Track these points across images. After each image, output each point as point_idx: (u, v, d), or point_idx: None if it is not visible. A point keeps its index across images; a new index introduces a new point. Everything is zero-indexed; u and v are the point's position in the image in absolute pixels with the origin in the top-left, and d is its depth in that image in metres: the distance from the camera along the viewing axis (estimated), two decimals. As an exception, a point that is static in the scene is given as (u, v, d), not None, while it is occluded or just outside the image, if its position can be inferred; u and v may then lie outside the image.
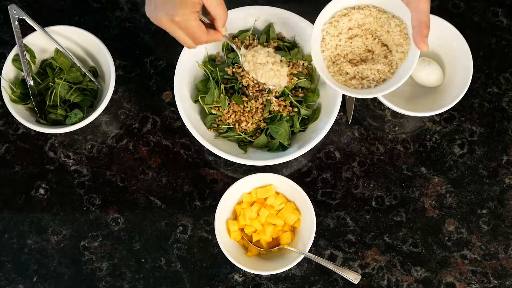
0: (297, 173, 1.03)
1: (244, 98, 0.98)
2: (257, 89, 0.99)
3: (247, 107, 0.98)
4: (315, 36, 0.92)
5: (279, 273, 0.96)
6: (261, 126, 0.99)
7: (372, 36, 0.93)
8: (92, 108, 1.03)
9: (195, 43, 0.88)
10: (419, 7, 0.84)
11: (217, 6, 0.87)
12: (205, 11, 0.87)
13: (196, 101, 1.01)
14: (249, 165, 1.02)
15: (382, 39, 0.93)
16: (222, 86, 0.99)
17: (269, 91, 0.98)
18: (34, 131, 1.04)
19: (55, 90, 1.01)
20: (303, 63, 1.01)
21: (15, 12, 1.00)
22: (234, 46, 0.96)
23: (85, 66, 1.04)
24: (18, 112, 0.99)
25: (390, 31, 0.91)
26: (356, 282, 0.94)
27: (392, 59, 0.92)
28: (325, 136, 0.95)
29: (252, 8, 1.02)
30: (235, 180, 0.96)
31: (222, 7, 0.87)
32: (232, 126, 0.99)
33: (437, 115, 1.05)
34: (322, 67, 0.93)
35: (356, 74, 0.93)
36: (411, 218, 1.01)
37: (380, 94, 0.91)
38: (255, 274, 0.98)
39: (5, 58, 1.02)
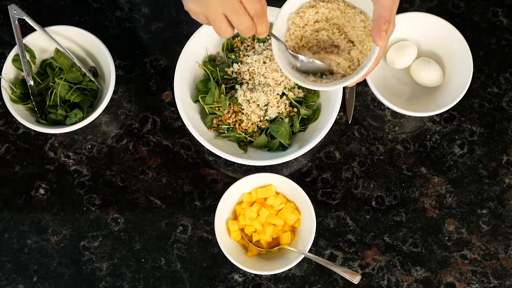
0: (297, 173, 1.03)
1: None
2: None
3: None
4: (279, 25, 0.88)
5: (279, 273, 0.96)
6: (262, 126, 0.99)
7: (338, 31, 0.89)
8: (92, 108, 1.03)
9: (255, 18, 0.79)
10: (381, 2, 0.81)
11: None
12: None
13: (196, 101, 1.01)
14: (249, 165, 1.02)
15: (349, 35, 0.89)
16: (223, 86, 0.99)
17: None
18: (34, 131, 1.04)
19: (55, 90, 1.01)
20: None
21: (15, 12, 1.00)
22: (279, 40, 0.88)
23: (85, 66, 1.04)
24: (18, 112, 0.99)
25: (355, 26, 0.88)
26: (356, 282, 0.94)
27: (353, 55, 0.88)
28: (325, 136, 0.95)
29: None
30: (235, 180, 0.96)
31: None
32: (232, 126, 0.99)
33: (437, 115, 1.05)
34: (280, 56, 0.88)
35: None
36: (411, 218, 1.01)
37: (333, 87, 0.86)
38: (255, 274, 0.98)
39: (5, 58, 1.02)
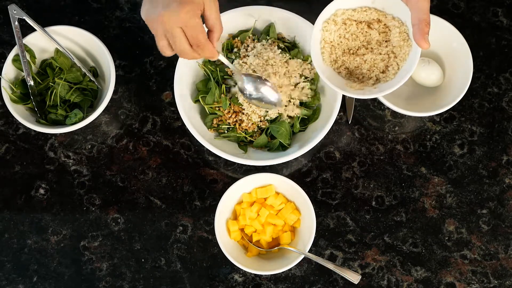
0: (297, 173, 1.03)
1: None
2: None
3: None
4: (315, 35, 0.92)
5: (279, 273, 0.96)
6: (262, 126, 0.99)
7: (373, 31, 0.93)
8: (92, 108, 1.03)
9: (194, 47, 0.84)
10: (418, 5, 0.84)
11: (216, 18, 0.85)
12: None
13: (196, 101, 1.01)
14: (249, 165, 1.02)
15: (386, 36, 0.92)
16: (223, 86, 0.99)
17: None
18: (34, 131, 1.04)
19: (55, 90, 1.01)
20: (304, 66, 1.00)
21: (15, 12, 1.00)
22: (228, 64, 0.93)
23: (85, 66, 1.04)
24: (18, 112, 0.99)
25: (389, 32, 0.91)
26: (356, 282, 0.94)
27: (392, 61, 0.91)
28: (325, 136, 0.95)
29: (252, 8, 1.01)
30: (235, 180, 0.96)
31: (219, 21, 0.86)
32: (232, 126, 0.99)
33: (437, 115, 1.05)
34: (321, 67, 0.93)
35: (355, 69, 0.93)
36: (411, 218, 1.01)
37: (381, 94, 0.90)
38: (255, 274, 0.98)
39: (5, 58, 1.02)
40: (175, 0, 0.80)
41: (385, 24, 0.92)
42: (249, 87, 0.95)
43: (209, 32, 0.87)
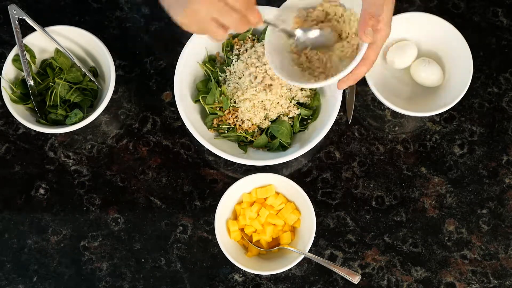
0: (297, 173, 1.03)
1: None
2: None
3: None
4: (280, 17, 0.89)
5: (279, 273, 0.96)
6: (263, 127, 0.99)
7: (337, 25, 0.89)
8: (92, 108, 1.03)
9: (245, 11, 0.76)
10: None
11: None
12: None
13: (196, 101, 1.01)
14: (249, 165, 1.02)
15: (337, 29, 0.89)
16: (224, 86, 0.99)
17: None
18: (34, 131, 1.04)
19: (55, 90, 1.01)
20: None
21: (15, 12, 1.00)
22: (286, 28, 0.89)
23: (85, 66, 1.04)
24: (18, 112, 0.99)
25: (340, 21, 0.88)
26: (356, 282, 0.94)
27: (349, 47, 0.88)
28: (325, 136, 0.95)
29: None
30: (235, 180, 0.96)
31: None
32: (232, 126, 0.99)
33: (437, 115, 1.05)
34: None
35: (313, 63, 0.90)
36: (411, 218, 1.01)
37: (323, 84, 0.84)
38: (255, 274, 0.98)
39: (5, 58, 1.02)
40: None
41: (337, 19, 0.88)
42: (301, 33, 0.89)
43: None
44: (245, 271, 0.98)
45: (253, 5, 0.77)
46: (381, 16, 0.79)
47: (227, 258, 0.93)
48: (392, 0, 0.81)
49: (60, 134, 1.04)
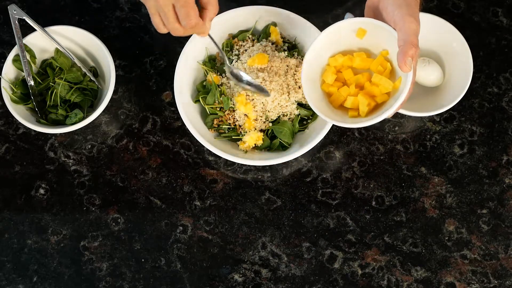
0: (297, 173, 1.03)
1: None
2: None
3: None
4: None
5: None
6: (264, 128, 0.99)
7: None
8: (92, 108, 1.03)
9: (184, 24, 0.83)
10: (406, 27, 0.80)
11: None
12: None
13: (196, 101, 1.01)
14: (249, 165, 1.02)
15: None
16: (224, 86, 0.99)
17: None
18: (34, 131, 1.04)
19: (55, 90, 1.01)
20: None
21: (15, 12, 1.00)
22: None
23: (85, 66, 1.04)
24: (19, 112, 0.99)
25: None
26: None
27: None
28: (325, 136, 0.95)
29: (253, 8, 1.02)
30: (235, 180, 0.96)
31: None
32: (233, 126, 0.99)
33: (437, 115, 1.05)
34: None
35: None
36: (411, 218, 1.01)
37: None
38: (255, 274, 0.98)
39: (5, 58, 1.02)
40: None
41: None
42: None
43: (203, 10, 0.86)
44: (245, 271, 0.98)
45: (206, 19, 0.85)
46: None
47: (227, 258, 0.93)
48: (419, 23, 0.82)
49: (60, 134, 1.04)
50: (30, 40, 1.02)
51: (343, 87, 0.91)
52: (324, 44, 0.90)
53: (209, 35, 0.90)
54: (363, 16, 0.88)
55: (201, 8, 0.86)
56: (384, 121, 1.05)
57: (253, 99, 0.98)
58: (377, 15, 0.85)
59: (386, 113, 0.84)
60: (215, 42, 0.93)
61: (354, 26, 0.88)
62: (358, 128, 1.04)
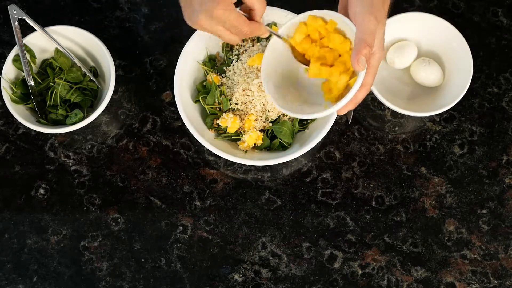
0: (297, 173, 1.03)
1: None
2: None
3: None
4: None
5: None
6: (264, 128, 0.99)
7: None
8: (92, 108, 1.03)
9: (238, 35, 0.84)
10: (363, 25, 0.78)
11: None
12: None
13: (196, 101, 1.01)
14: (249, 165, 1.02)
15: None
16: (224, 86, 0.99)
17: None
18: (34, 131, 1.04)
19: (55, 90, 1.01)
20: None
21: (15, 12, 1.00)
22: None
23: (85, 66, 1.04)
24: (19, 112, 0.99)
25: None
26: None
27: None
28: (325, 136, 0.95)
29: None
30: (235, 180, 0.96)
31: None
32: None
33: (437, 115, 1.05)
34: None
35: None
36: (411, 218, 1.01)
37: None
38: (255, 274, 0.98)
39: (5, 58, 1.02)
40: (207, 0, 0.79)
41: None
42: None
43: (251, 11, 0.85)
44: (244, 271, 0.98)
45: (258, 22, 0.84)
46: (373, 43, 0.79)
47: (227, 258, 0.93)
48: (383, 24, 0.80)
49: (60, 134, 1.04)
50: (30, 40, 1.02)
51: (312, 45, 0.88)
52: (289, 31, 0.88)
53: (267, 26, 0.87)
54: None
55: (249, 10, 0.85)
56: (384, 121, 1.05)
57: (253, 99, 0.98)
58: (347, 10, 0.84)
59: (334, 108, 0.82)
60: (272, 32, 0.89)
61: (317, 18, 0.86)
62: (358, 128, 1.04)
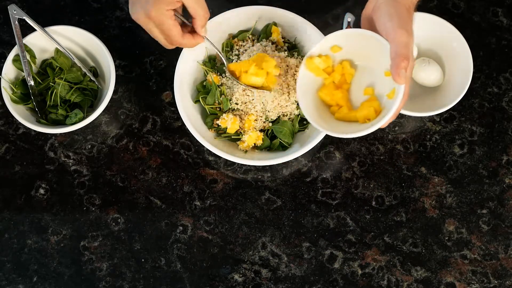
0: (297, 173, 1.03)
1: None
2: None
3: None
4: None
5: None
6: (264, 128, 0.99)
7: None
8: (92, 108, 1.03)
9: (170, 43, 0.88)
10: (397, 40, 0.79)
11: (196, 4, 0.86)
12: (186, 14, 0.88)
13: (196, 101, 1.01)
14: (249, 165, 1.02)
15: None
16: (224, 86, 0.99)
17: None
18: (34, 131, 1.04)
19: (55, 90, 1.01)
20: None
21: (15, 12, 1.00)
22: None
23: (85, 66, 1.04)
24: (19, 112, 0.99)
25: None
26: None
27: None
28: (325, 136, 0.95)
29: (253, 8, 1.02)
30: (235, 180, 0.96)
31: (201, 6, 0.87)
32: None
33: (437, 115, 1.05)
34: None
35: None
36: (411, 218, 1.01)
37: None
38: (255, 274, 0.98)
39: (5, 58, 1.02)
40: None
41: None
42: None
43: (193, 20, 0.89)
44: (244, 271, 0.98)
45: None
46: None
47: (227, 258, 0.93)
48: (412, 35, 0.81)
49: (60, 134, 1.04)
50: (30, 40, 1.02)
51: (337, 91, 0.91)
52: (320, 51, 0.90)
53: (206, 38, 0.93)
54: (363, 15, 0.88)
55: (192, 18, 0.89)
56: (384, 121, 1.05)
57: (253, 99, 0.98)
58: (372, 25, 0.85)
59: (379, 123, 0.83)
60: (212, 44, 0.94)
61: (346, 37, 0.88)
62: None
